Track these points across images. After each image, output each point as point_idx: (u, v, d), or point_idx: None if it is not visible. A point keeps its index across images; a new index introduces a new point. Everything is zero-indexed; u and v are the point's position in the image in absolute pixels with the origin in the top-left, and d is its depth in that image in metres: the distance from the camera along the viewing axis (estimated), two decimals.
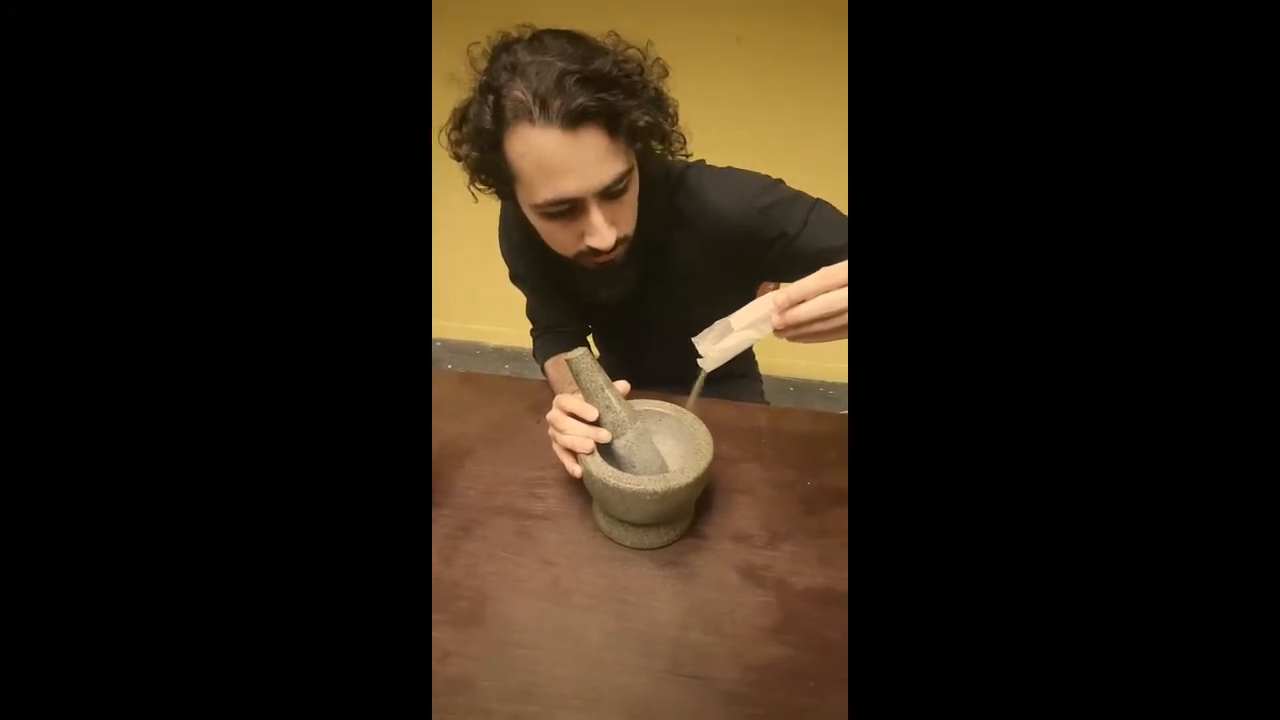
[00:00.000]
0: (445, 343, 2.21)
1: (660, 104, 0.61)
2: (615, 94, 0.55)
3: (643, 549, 0.59)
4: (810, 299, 0.48)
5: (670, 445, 0.63)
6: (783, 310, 0.49)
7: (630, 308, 0.78)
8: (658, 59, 0.62)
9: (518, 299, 0.92)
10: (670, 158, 0.66)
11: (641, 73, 0.59)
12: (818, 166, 0.87)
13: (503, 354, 2.15)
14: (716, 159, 0.75)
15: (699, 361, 0.56)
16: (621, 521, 0.59)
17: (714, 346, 0.54)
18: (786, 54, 1.57)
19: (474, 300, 2.16)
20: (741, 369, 1.05)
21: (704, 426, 0.60)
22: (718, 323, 0.54)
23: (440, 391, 0.82)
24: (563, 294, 0.83)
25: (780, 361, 1.97)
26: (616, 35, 0.60)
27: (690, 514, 0.62)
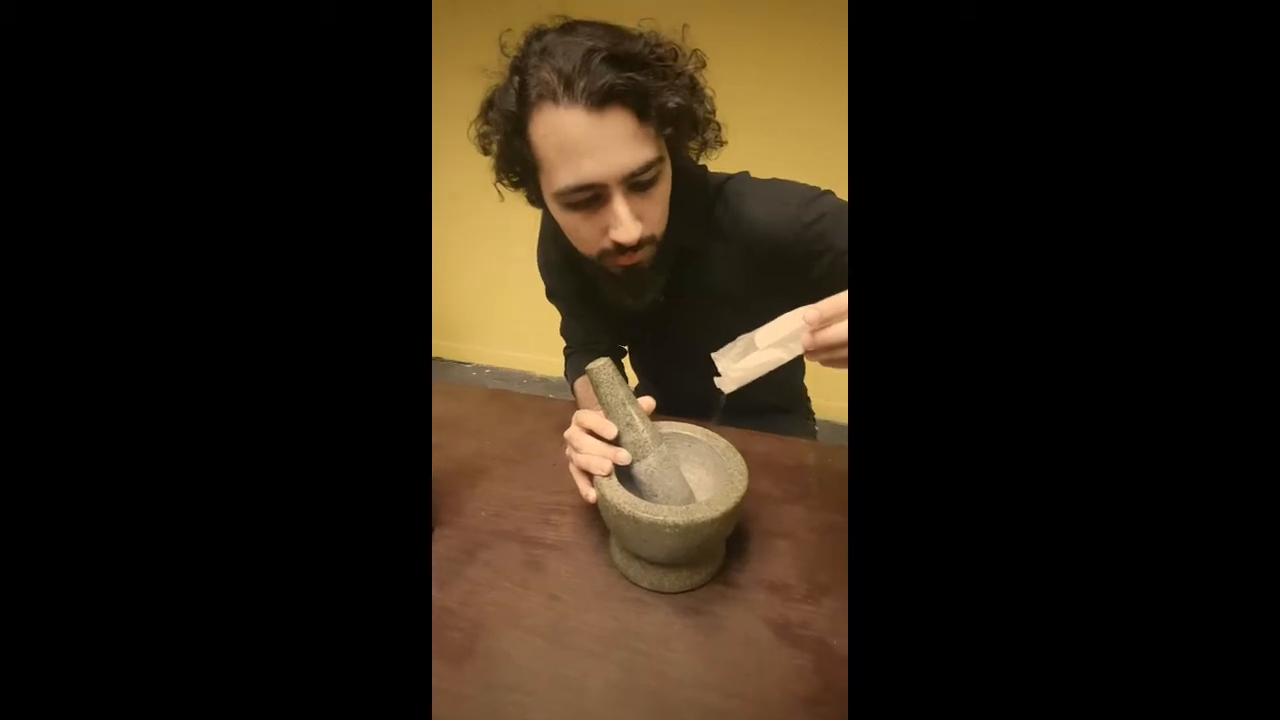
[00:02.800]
0: (494, 370, 2.21)
1: (695, 91, 0.57)
2: (645, 75, 0.52)
3: (662, 592, 0.52)
4: (846, 317, 0.42)
5: (700, 474, 0.56)
6: (814, 329, 0.43)
7: (662, 325, 0.73)
8: (696, 50, 0.58)
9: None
10: (705, 152, 0.62)
11: (676, 59, 0.56)
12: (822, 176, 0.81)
13: (548, 384, 2.13)
14: (730, 166, 0.70)
15: (716, 381, 0.49)
16: (639, 558, 0.52)
17: (734, 365, 0.48)
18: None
19: (523, 329, 2.17)
20: (787, 403, 0.97)
21: (739, 456, 0.53)
22: (741, 338, 0.48)
23: (465, 406, 0.78)
24: (596, 311, 0.79)
25: (837, 405, 1.86)
26: (654, 25, 0.57)
27: (719, 556, 0.54)
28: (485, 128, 0.59)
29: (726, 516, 0.48)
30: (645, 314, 0.70)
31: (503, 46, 0.57)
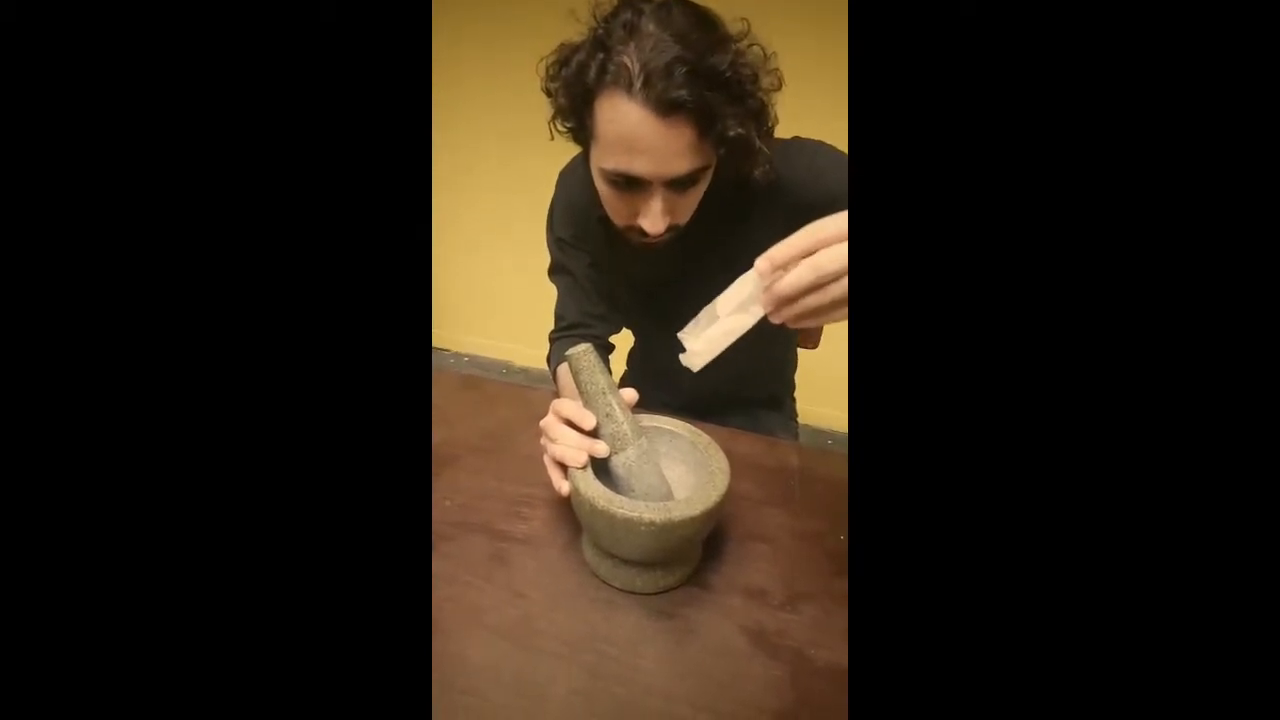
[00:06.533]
0: (473, 358, 2.17)
1: (760, 117, 0.58)
2: (718, 94, 0.53)
3: (633, 593, 0.50)
4: (795, 262, 0.39)
5: (680, 471, 0.53)
6: (769, 280, 0.40)
7: (672, 300, 0.71)
8: (776, 69, 0.58)
9: (548, 321, 0.86)
10: (749, 173, 0.62)
11: (755, 80, 0.56)
12: None
13: (528, 375, 2.10)
14: None
15: (682, 358, 0.46)
16: (611, 556, 0.49)
17: (698, 338, 0.45)
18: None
19: (505, 317, 2.13)
20: (778, 393, 0.95)
21: (722, 454, 0.51)
22: (704, 310, 0.45)
23: (437, 393, 0.75)
24: (604, 294, 0.79)
25: (820, 412, 1.85)
26: (747, 24, 0.57)
27: (695, 558, 0.52)
28: (554, 84, 0.59)
29: (706, 516, 0.45)
30: (654, 289, 0.71)
31: (595, 3, 0.56)
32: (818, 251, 0.38)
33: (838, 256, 0.37)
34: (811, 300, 0.39)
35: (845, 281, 0.37)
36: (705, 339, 0.45)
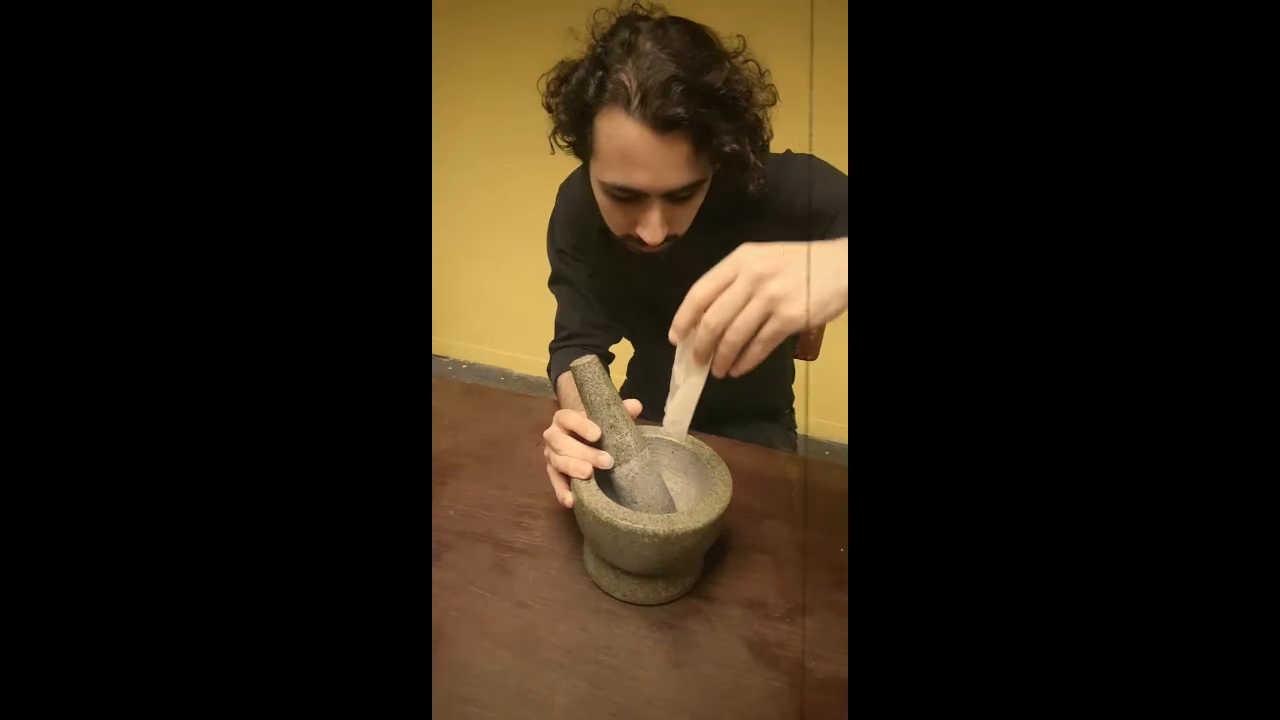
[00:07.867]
0: (472, 365, 2.18)
1: (754, 131, 0.60)
2: (714, 110, 0.55)
3: (635, 604, 0.50)
4: (693, 325, 0.44)
5: (681, 483, 0.54)
6: (682, 339, 0.46)
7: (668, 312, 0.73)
8: (771, 85, 0.61)
9: (547, 329, 0.87)
10: (744, 187, 0.64)
11: (750, 97, 0.58)
12: None
13: (527, 382, 2.10)
14: None
15: (663, 428, 0.51)
16: (613, 567, 0.49)
17: (669, 406, 0.50)
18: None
19: (503, 325, 2.14)
20: (772, 409, 0.96)
21: (724, 466, 0.51)
22: (671, 381, 0.50)
23: (440, 401, 0.75)
24: (604, 304, 0.81)
25: (819, 422, 1.86)
26: (743, 40, 0.60)
27: (696, 569, 0.52)
28: (554, 100, 0.61)
29: (709, 528, 0.45)
30: (654, 298, 0.72)
31: (595, 23, 0.58)
32: (706, 308, 0.43)
33: (718, 309, 0.43)
34: (723, 351, 0.43)
35: (738, 325, 0.43)
36: (675, 407, 0.50)
